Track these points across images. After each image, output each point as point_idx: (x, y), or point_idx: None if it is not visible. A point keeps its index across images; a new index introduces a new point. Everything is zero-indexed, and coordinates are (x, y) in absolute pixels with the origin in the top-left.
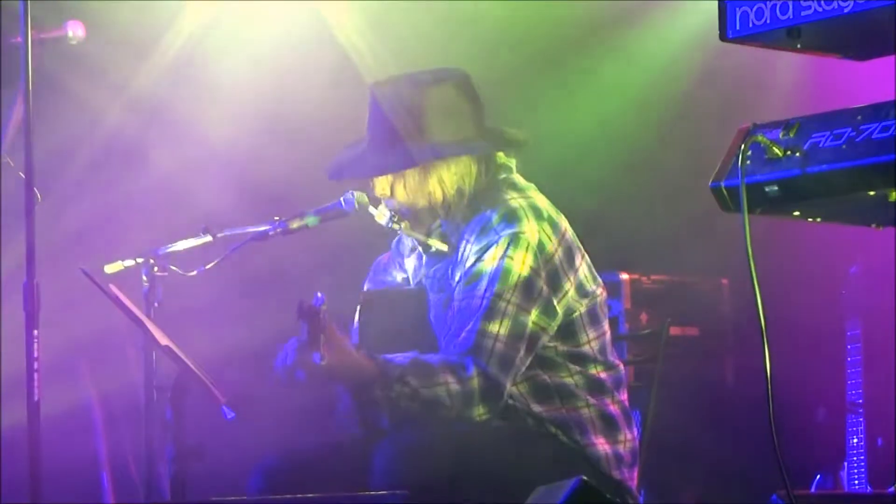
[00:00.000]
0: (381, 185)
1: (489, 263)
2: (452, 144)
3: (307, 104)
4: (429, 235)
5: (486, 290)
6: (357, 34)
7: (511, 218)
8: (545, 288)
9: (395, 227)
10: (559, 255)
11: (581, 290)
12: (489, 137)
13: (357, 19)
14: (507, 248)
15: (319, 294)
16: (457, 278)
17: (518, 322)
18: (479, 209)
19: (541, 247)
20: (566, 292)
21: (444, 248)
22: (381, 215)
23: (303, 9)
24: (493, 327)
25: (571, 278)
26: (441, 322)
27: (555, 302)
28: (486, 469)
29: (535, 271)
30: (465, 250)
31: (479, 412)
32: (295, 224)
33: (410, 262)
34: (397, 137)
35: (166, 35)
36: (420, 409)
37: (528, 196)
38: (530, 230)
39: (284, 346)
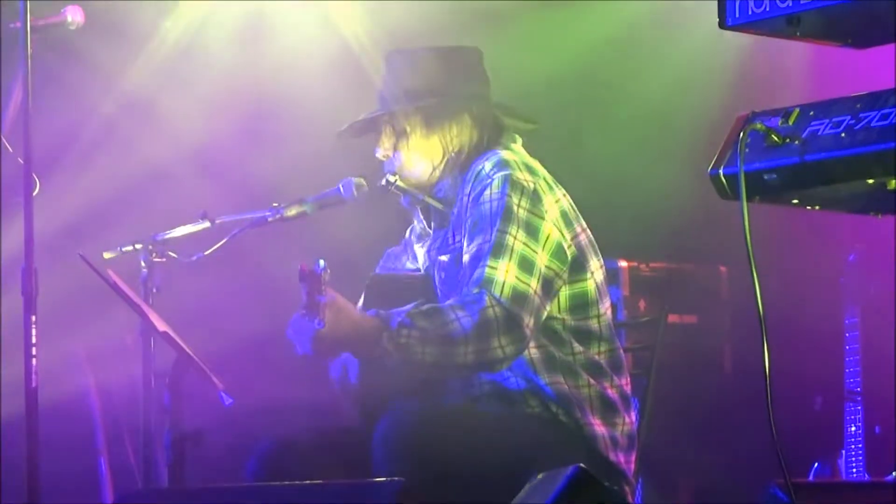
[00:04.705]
0: (385, 144)
1: (488, 205)
2: (459, 100)
3: (305, 93)
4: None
5: (490, 230)
6: (358, 24)
7: (503, 164)
8: (553, 230)
9: (392, 180)
10: (559, 207)
11: (588, 252)
12: (495, 107)
13: (357, 10)
14: (502, 188)
15: (322, 262)
16: (464, 229)
17: (526, 257)
18: (473, 163)
19: (536, 194)
20: (577, 234)
21: (440, 205)
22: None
23: None
24: (502, 262)
25: (577, 229)
26: (454, 278)
27: (564, 245)
28: (484, 451)
29: (534, 215)
30: (463, 204)
31: (500, 343)
32: (293, 211)
33: (421, 249)
34: (407, 91)
35: (164, 23)
36: (434, 354)
37: (524, 158)
38: (524, 177)
39: (293, 316)
